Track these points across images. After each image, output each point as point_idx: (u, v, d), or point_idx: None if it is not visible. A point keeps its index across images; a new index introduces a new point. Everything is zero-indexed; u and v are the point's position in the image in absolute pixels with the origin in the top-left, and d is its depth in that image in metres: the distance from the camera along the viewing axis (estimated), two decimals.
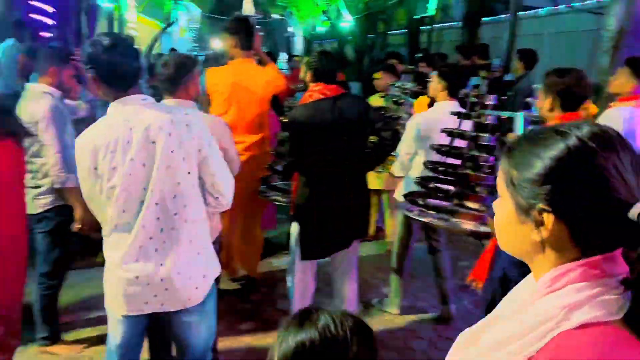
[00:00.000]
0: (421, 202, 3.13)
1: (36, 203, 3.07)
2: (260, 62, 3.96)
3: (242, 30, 3.72)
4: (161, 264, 2.04)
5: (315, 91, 3.10)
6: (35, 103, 2.99)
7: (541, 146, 0.87)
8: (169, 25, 15.52)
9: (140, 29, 17.16)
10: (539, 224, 0.86)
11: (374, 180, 4.51)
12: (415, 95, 4.57)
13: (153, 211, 2.01)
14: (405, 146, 3.51)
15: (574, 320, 0.80)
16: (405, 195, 3.27)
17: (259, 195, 3.83)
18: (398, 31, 15.45)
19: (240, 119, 3.81)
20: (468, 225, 2.97)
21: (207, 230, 2.21)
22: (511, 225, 0.92)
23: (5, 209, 2.51)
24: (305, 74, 3.26)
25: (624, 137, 0.87)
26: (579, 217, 0.84)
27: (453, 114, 3.22)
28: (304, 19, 17.72)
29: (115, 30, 15.43)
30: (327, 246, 3.21)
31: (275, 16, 19.98)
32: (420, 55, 6.56)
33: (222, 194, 2.19)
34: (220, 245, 3.50)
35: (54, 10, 12.21)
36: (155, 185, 1.99)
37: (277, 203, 3.86)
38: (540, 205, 0.85)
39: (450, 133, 3.16)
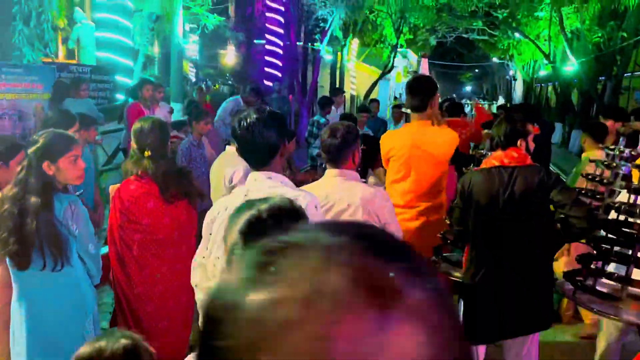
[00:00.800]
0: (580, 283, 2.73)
1: None
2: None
3: (422, 91, 3.60)
4: None
5: (494, 157, 2.86)
6: (232, 166, 3.25)
7: (239, 213, 1.22)
8: (387, 71, 16.09)
9: (359, 76, 18.18)
10: None
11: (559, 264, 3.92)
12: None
13: None
14: None
15: None
16: (565, 274, 2.87)
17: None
18: (637, 73, 13.63)
19: (419, 184, 3.63)
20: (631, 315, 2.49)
21: None
22: None
23: (175, 264, 2.77)
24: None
25: (299, 210, 1.25)
26: None
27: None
28: (525, 62, 16.82)
29: (337, 77, 16.59)
30: (493, 331, 2.86)
31: (495, 59, 19.35)
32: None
33: None
34: None
35: (284, 63, 13.70)
36: None
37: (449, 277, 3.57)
38: None
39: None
